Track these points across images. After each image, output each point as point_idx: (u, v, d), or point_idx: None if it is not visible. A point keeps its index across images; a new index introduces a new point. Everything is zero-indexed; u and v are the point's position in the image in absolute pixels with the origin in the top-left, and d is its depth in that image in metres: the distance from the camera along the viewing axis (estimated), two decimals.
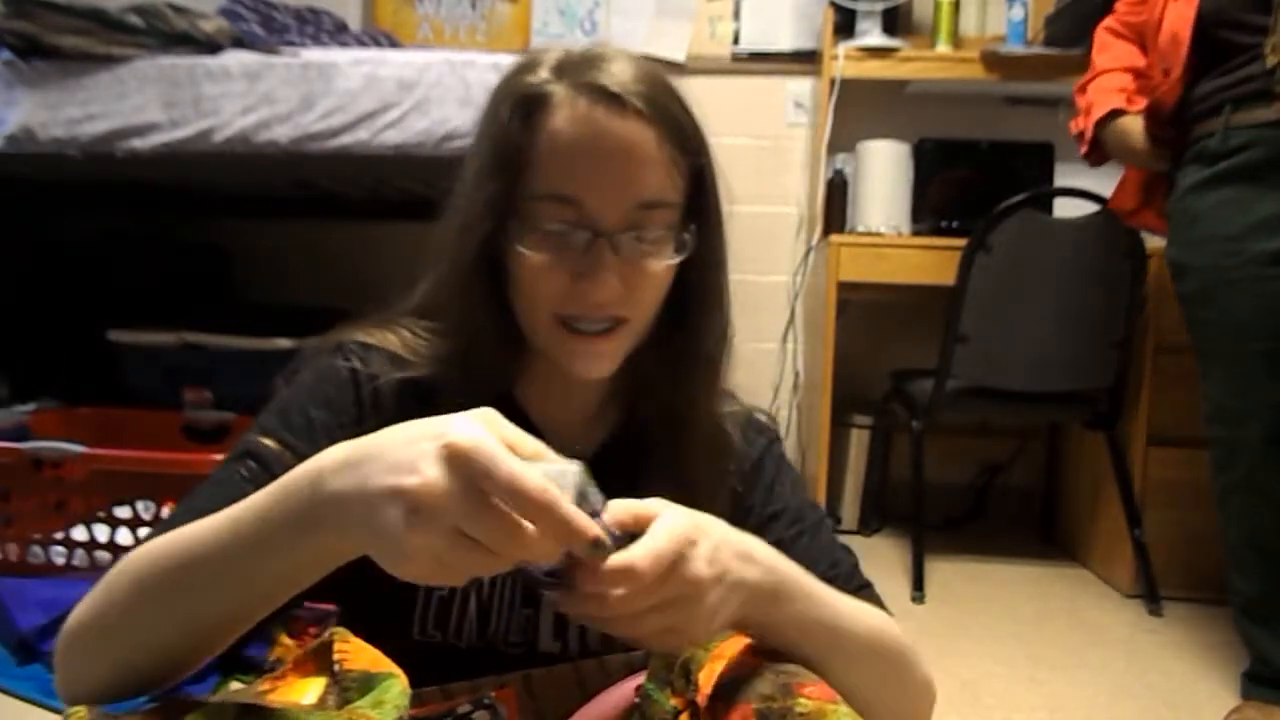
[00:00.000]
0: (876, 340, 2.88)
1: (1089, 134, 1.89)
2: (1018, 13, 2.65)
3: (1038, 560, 2.55)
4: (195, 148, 1.84)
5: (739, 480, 0.80)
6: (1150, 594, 2.15)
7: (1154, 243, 2.07)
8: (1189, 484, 2.13)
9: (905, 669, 0.71)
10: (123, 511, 1.69)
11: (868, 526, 2.74)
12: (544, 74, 0.70)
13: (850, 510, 2.74)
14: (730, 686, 0.58)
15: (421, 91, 1.80)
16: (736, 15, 2.92)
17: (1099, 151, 1.90)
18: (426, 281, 0.77)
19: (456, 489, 0.45)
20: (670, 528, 0.52)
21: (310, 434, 0.69)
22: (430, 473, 0.45)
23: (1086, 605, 2.21)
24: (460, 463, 0.45)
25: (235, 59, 1.85)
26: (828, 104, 2.71)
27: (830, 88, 2.71)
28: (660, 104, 0.69)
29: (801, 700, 0.55)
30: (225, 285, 2.85)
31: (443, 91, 1.80)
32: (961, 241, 2.23)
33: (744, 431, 0.82)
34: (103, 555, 1.69)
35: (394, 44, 2.50)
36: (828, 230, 2.69)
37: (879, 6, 2.69)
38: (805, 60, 2.90)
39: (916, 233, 2.62)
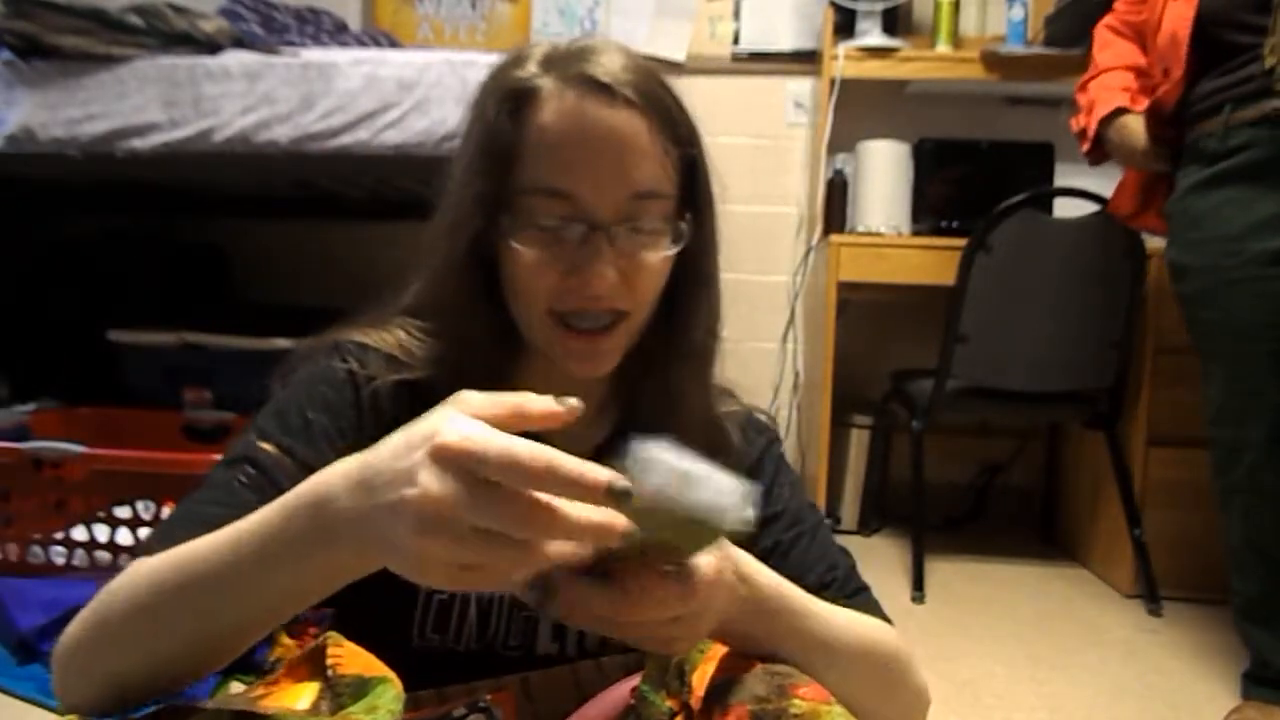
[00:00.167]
0: (876, 340, 2.88)
1: (1091, 131, 1.88)
2: (1018, 13, 2.65)
3: (1038, 560, 2.55)
4: (195, 148, 1.84)
5: None
6: (1150, 594, 2.14)
7: (1154, 243, 2.06)
8: (1189, 484, 2.13)
9: (898, 680, 0.71)
10: (123, 511, 1.69)
11: (868, 526, 2.74)
12: (532, 68, 0.69)
13: (850, 510, 2.74)
14: (724, 688, 0.58)
15: (421, 91, 1.81)
16: (736, 15, 2.92)
17: (1100, 149, 1.90)
18: (418, 281, 0.76)
19: (458, 488, 0.44)
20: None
21: (309, 436, 0.68)
22: (427, 480, 0.44)
23: (1086, 605, 2.20)
24: (454, 461, 0.44)
25: (235, 59, 1.86)
26: (828, 104, 2.71)
27: (830, 88, 2.71)
28: (651, 94, 0.68)
29: (795, 701, 0.55)
30: (225, 285, 2.85)
31: (443, 91, 1.80)
32: (961, 241, 2.23)
33: (744, 431, 0.82)
34: (103, 555, 1.69)
35: (394, 44, 2.50)
36: (828, 230, 2.69)
37: (879, 6, 2.69)
38: (805, 60, 2.89)
39: (916, 233, 2.62)
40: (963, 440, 2.83)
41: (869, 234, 2.57)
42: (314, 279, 2.71)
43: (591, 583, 0.51)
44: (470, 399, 0.48)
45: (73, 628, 0.58)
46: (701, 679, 0.60)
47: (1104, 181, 2.12)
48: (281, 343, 2.09)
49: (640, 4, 2.90)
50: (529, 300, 0.70)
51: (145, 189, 2.32)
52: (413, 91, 1.81)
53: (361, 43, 2.36)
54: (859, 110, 2.76)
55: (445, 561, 0.45)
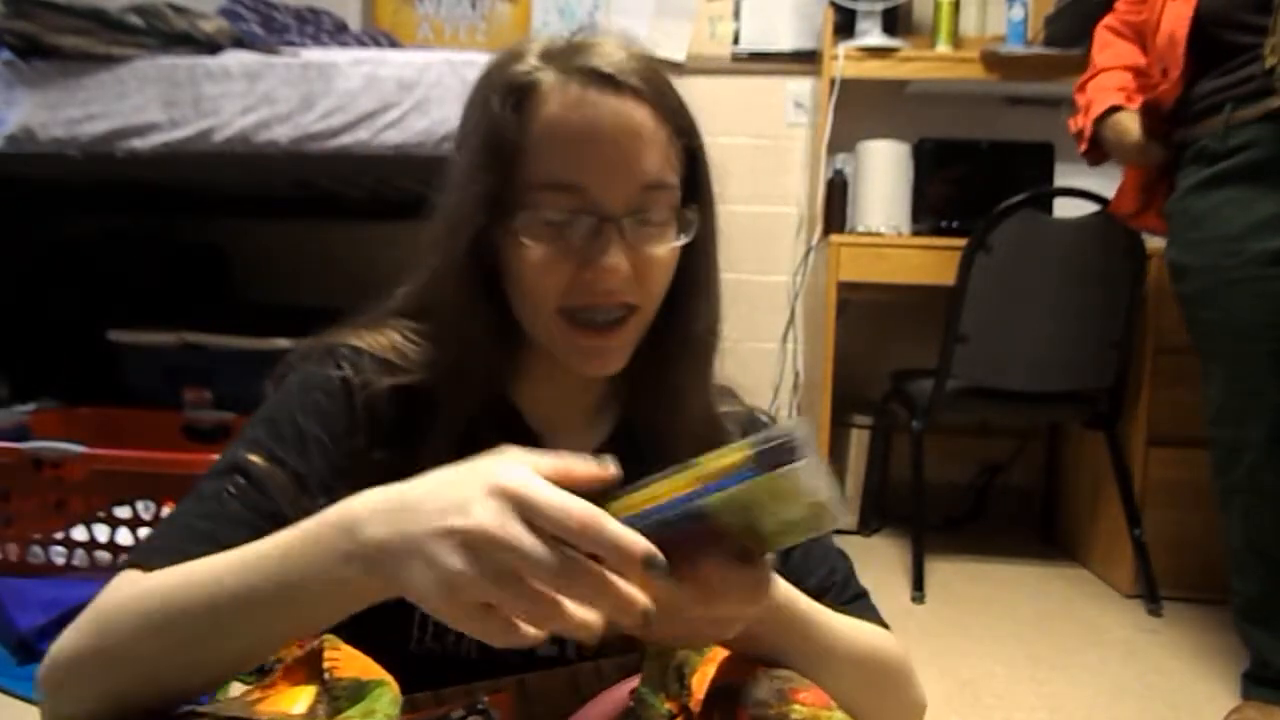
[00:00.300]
0: (876, 340, 2.88)
1: (1088, 131, 1.88)
2: (1018, 13, 2.65)
3: (1038, 560, 2.55)
4: (195, 148, 1.84)
5: None
6: (1150, 594, 2.14)
7: (1154, 243, 2.06)
8: (1189, 484, 2.13)
9: (898, 689, 0.71)
10: (123, 511, 1.69)
11: (868, 526, 2.74)
12: (532, 61, 0.68)
13: (850, 510, 2.74)
14: (724, 692, 0.58)
15: (421, 91, 1.81)
16: (736, 15, 2.92)
17: (1098, 150, 1.90)
18: (413, 282, 0.75)
19: (513, 524, 0.45)
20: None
21: (301, 446, 0.66)
22: (482, 512, 0.45)
23: (1086, 605, 2.20)
24: (511, 499, 0.46)
25: (235, 59, 1.86)
26: (828, 104, 2.71)
27: (830, 88, 2.71)
28: (655, 83, 0.67)
29: (796, 706, 0.55)
30: (225, 285, 2.85)
31: (443, 91, 1.80)
32: (961, 241, 2.23)
33: (744, 432, 0.80)
34: (103, 555, 1.69)
35: (394, 44, 2.50)
36: (828, 230, 2.69)
37: (879, 6, 2.69)
38: (805, 60, 2.89)
39: (916, 233, 2.62)
40: (963, 440, 2.83)
41: (869, 234, 2.57)
42: (314, 279, 2.70)
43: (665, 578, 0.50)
44: (520, 453, 0.49)
45: (66, 644, 0.56)
46: (701, 682, 0.60)
47: (1104, 181, 2.12)
48: (281, 343, 2.08)
49: (640, 4, 2.90)
50: (538, 299, 0.68)
51: (145, 189, 2.32)
52: (413, 91, 1.81)
53: (361, 43, 2.36)
54: (859, 110, 2.76)
55: (471, 596, 0.45)
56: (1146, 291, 2.22)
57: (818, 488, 0.46)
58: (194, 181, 2.26)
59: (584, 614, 0.46)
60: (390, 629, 0.70)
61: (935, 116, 2.83)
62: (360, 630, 0.60)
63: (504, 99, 0.67)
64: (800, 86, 2.92)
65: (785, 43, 2.91)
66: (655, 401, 0.75)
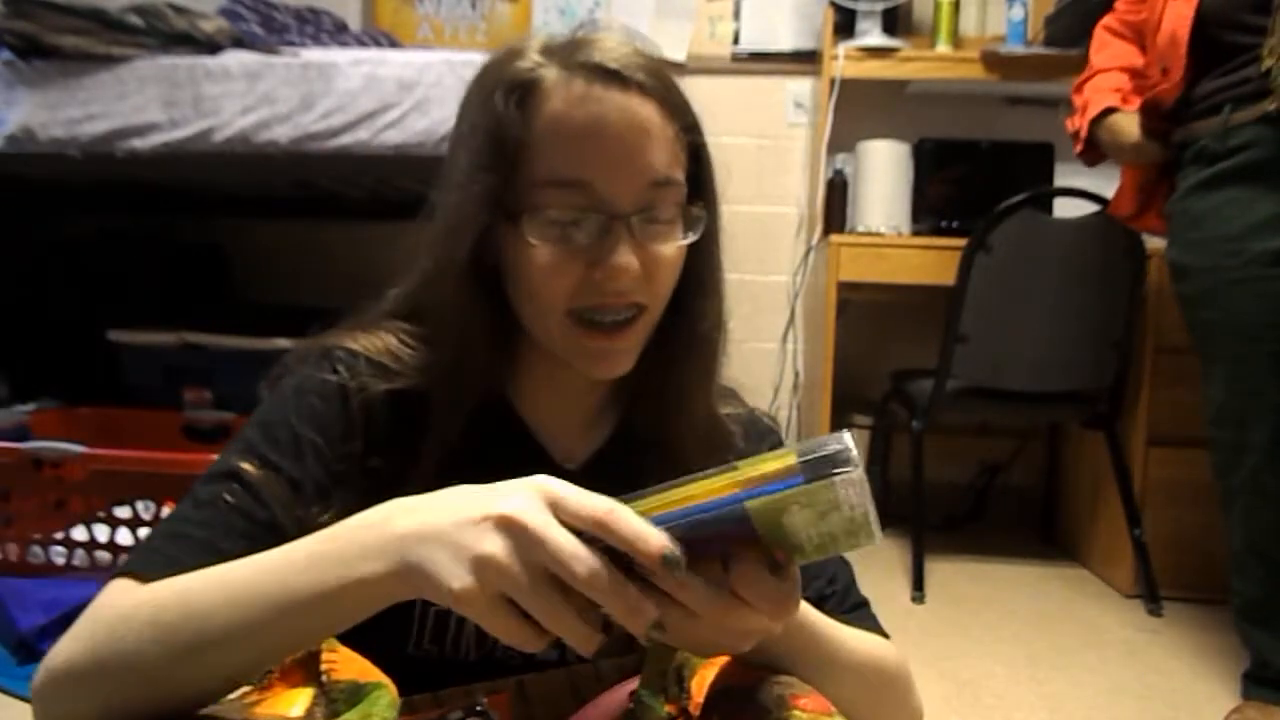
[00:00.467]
0: (876, 340, 2.88)
1: (1084, 132, 1.88)
2: (1018, 13, 2.65)
3: (1038, 560, 2.55)
4: (195, 148, 1.84)
5: None
6: (1150, 594, 2.14)
7: (1154, 243, 2.06)
8: (1189, 484, 2.13)
9: (898, 700, 0.71)
10: (123, 511, 1.69)
11: None
12: (534, 57, 0.66)
13: None
14: (724, 695, 0.57)
15: (421, 91, 1.81)
16: (736, 15, 2.92)
17: (1094, 150, 1.90)
18: (406, 284, 0.73)
19: (539, 513, 0.46)
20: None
21: (296, 451, 0.65)
22: (514, 501, 0.47)
23: (1086, 605, 2.20)
24: (540, 493, 0.48)
25: (235, 59, 1.86)
26: (828, 104, 2.71)
27: (830, 88, 2.70)
28: (660, 78, 0.66)
29: (796, 712, 0.55)
30: (225, 285, 2.85)
31: (443, 91, 1.80)
32: (961, 241, 2.23)
33: (746, 433, 0.80)
34: (103, 555, 1.69)
35: (394, 44, 2.50)
36: (828, 230, 2.69)
37: (879, 6, 2.69)
38: (805, 60, 2.89)
39: (916, 233, 2.62)
40: (963, 440, 2.83)
41: (869, 234, 2.57)
42: (314, 279, 2.70)
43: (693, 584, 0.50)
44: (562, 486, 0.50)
45: (62, 654, 0.55)
46: (701, 685, 0.59)
47: (1104, 181, 2.11)
48: (281, 343, 2.08)
49: (640, 4, 2.90)
50: (546, 301, 0.66)
51: (145, 189, 2.32)
52: (413, 91, 1.81)
53: (361, 43, 2.36)
54: (859, 110, 2.76)
55: (497, 579, 0.46)
56: (1146, 291, 2.22)
57: (862, 501, 0.46)
58: (194, 181, 2.26)
59: (586, 629, 0.47)
60: (389, 631, 0.70)
61: (935, 116, 2.83)
62: (358, 632, 0.60)
63: (506, 96, 0.65)
64: (800, 86, 2.92)
65: (785, 43, 2.91)
66: (660, 403, 0.74)
